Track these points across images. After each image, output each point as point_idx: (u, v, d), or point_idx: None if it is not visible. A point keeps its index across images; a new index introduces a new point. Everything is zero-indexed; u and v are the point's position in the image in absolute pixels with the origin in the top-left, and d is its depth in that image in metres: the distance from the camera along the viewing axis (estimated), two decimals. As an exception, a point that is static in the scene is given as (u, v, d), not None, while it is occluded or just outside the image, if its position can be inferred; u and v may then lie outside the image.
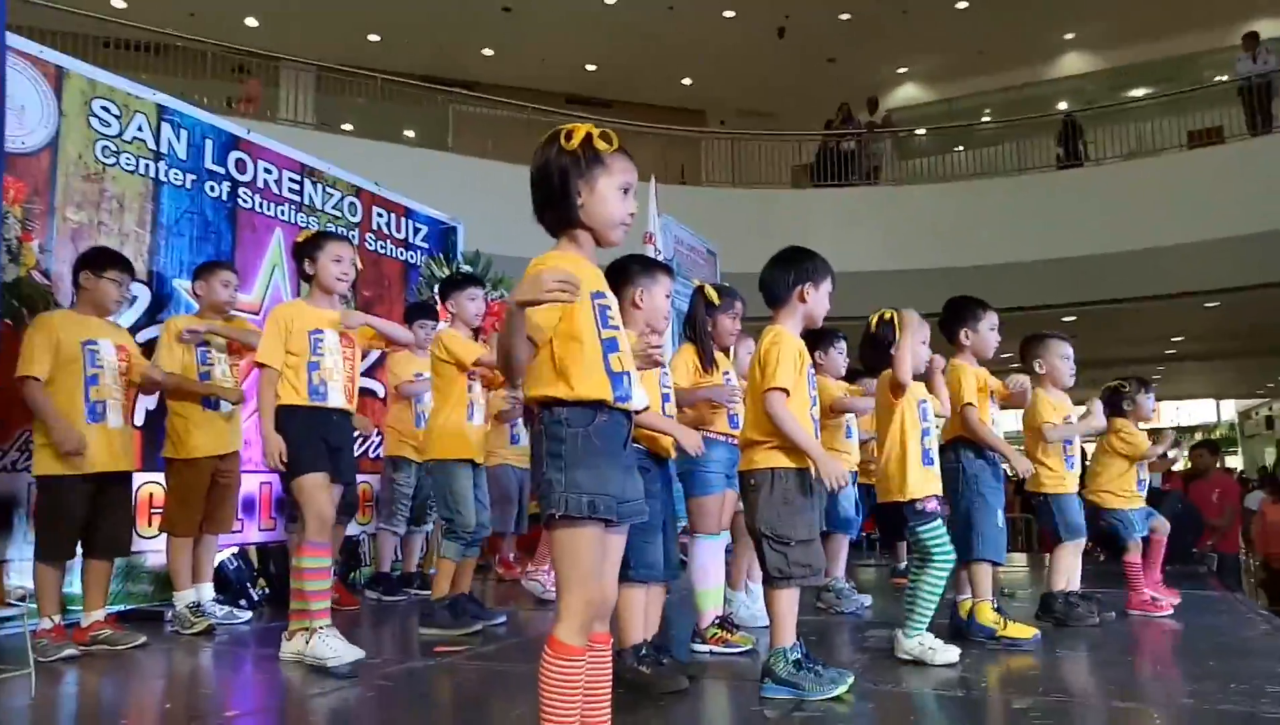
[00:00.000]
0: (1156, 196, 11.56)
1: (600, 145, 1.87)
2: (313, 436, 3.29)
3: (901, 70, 16.52)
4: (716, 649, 3.39)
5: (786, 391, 2.65)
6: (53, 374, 3.53)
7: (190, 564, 4.19)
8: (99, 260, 3.76)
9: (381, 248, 6.21)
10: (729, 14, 14.21)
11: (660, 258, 6.88)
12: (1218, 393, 23.15)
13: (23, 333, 3.64)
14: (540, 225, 1.98)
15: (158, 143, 4.76)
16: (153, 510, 4.52)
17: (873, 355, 3.23)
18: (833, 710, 2.54)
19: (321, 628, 3.19)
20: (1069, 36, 15.33)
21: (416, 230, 6.56)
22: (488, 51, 15.23)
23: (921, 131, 15.49)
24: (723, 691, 2.94)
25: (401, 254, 6.38)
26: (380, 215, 6.25)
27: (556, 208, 1.89)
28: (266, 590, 4.89)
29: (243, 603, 4.61)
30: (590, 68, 15.85)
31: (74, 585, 3.81)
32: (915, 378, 3.18)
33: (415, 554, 5.47)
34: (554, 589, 4.65)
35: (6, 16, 2.82)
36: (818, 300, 2.79)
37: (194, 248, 4.90)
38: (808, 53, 15.01)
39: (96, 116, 4.48)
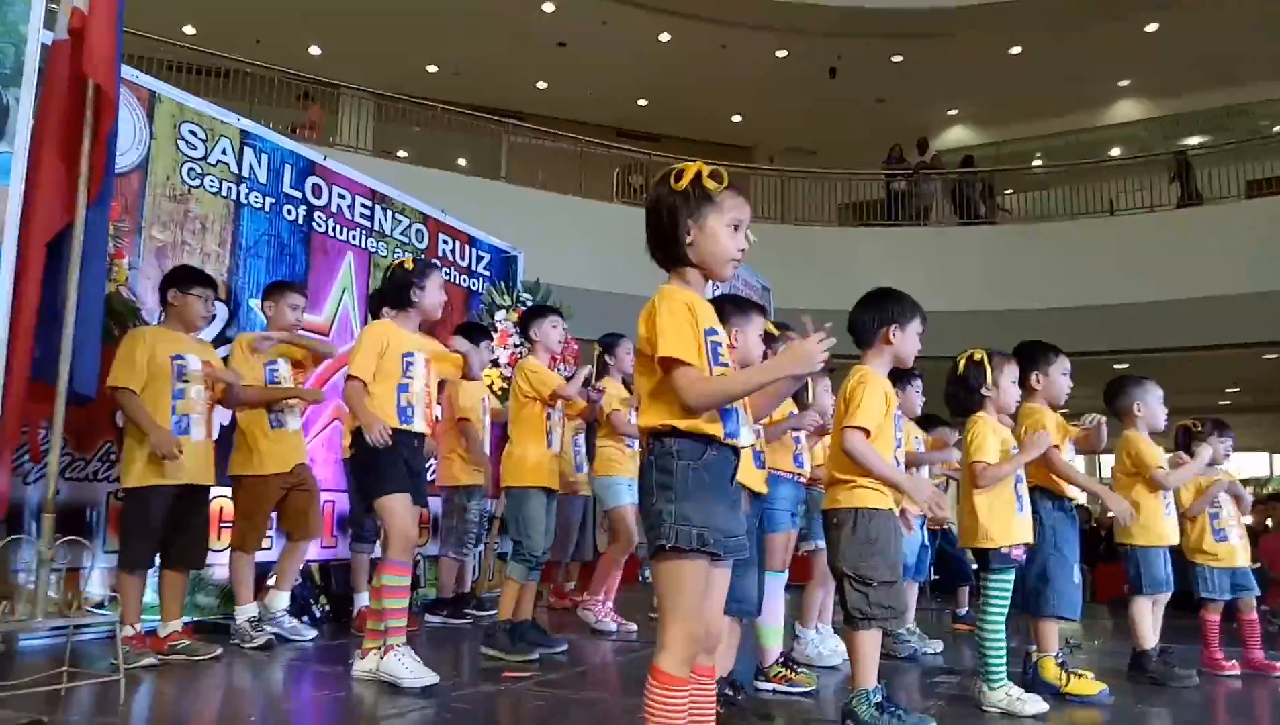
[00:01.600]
0: (1213, 245, 11.43)
1: (710, 184, 1.91)
2: (397, 458, 3.34)
3: (951, 112, 16.53)
4: (780, 688, 3.37)
5: (867, 431, 2.66)
6: (143, 386, 3.63)
7: (252, 579, 4.26)
8: (185, 278, 3.88)
9: (446, 274, 6.30)
10: (781, 53, 14.34)
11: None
12: (1271, 447, 22.66)
13: (114, 347, 3.74)
14: (653, 260, 2.02)
15: (240, 166, 4.90)
16: (222, 524, 4.61)
17: (960, 397, 3.22)
18: (916, 755, 2.53)
19: (397, 645, 3.22)
20: (1124, 84, 15.26)
21: (479, 258, 6.67)
22: (542, 85, 15.48)
23: (979, 171, 15.51)
24: (797, 731, 2.92)
25: (464, 281, 6.48)
26: (445, 242, 6.37)
27: (667, 245, 1.94)
28: (328, 608, 4.95)
29: (305, 619, 4.67)
30: (642, 102, 16.04)
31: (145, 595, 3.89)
32: (1005, 417, 3.18)
33: (469, 575, 5.50)
34: (605, 620, 4.73)
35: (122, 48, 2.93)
36: (905, 341, 2.80)
37: (270, 269, 5.02)
38: (858, 93, 15.08)
39: (184, 140, 4.64)
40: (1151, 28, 13.27)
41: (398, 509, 3.30)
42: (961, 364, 3.22)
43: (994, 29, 13.39)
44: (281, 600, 4.29)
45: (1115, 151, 15.59)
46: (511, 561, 4.02)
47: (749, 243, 1.95)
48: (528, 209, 11.35)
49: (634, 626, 4.88)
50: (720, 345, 1.89)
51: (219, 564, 4.56)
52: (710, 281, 1.98)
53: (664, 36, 14.00)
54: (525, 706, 3.14)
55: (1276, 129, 14.13)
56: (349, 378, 3.32)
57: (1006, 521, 3.09)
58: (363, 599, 4.65)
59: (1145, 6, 12.70)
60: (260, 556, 4.35)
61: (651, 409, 1.84)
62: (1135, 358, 12.11)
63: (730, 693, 2.83)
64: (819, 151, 16.27)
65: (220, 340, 4.62)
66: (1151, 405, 3.81)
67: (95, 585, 4.00)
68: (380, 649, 3.31)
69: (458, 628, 5.01)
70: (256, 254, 4.97)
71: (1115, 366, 12.26)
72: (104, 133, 2.92)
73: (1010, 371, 3.26)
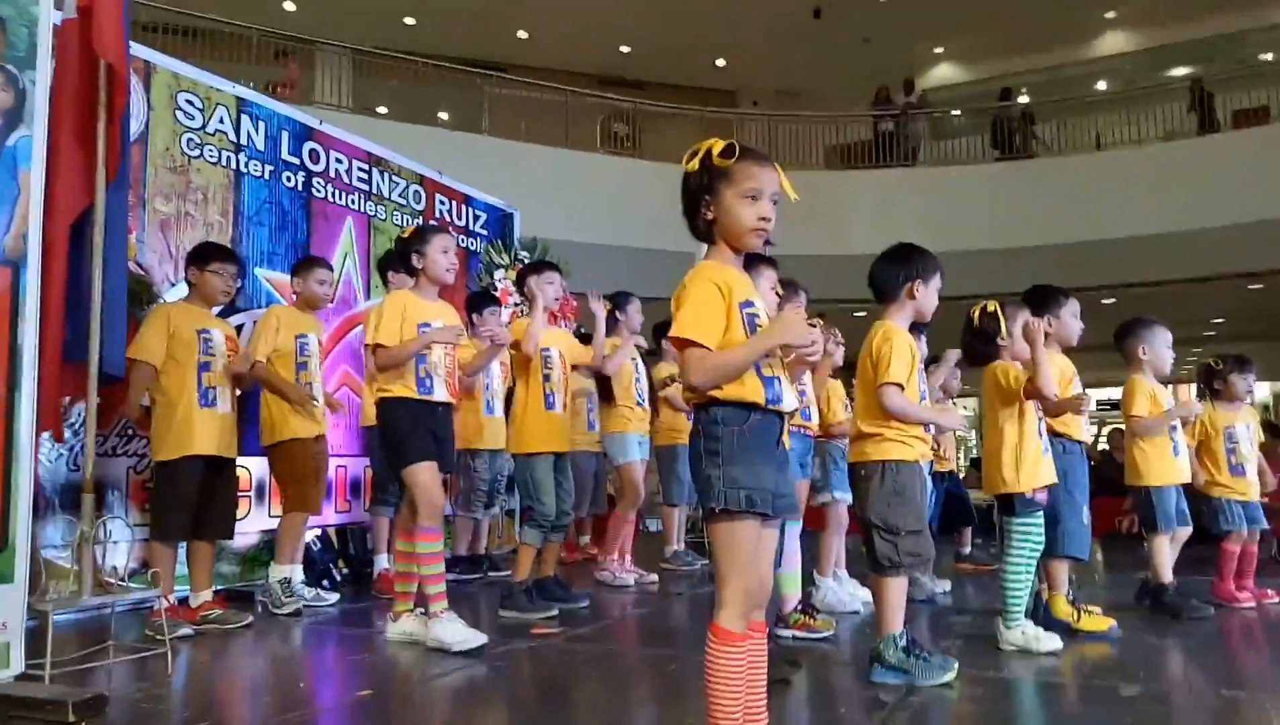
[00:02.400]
0: (1200, 177, 11.48)
1: (719, 161, 1.92)
2: (420, 427, 3.39)
3: (938, 50, 16.38)
4: (800, 634, 3.47)
5: (901, 386, 2.73)
6: (170, 360, 3.68)
7: (303, 542, 4.35)
8: (202, 254, 3.91)
9: (444, 235, 6.28)
10: (765, -6, 14.14)
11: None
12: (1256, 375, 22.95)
13: (136, 324, 3.75)
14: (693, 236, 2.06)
15: (238, 135, 4.86)
16: (239, 494, 4.66)
17: (977, 347, 3.28)
18: (944, 696, 2.64)
19: (441, 612, 3.30)
20: (1110, 15, 15.14)
21: (476, 217, 6.65)
22: (522, 34, 15.22)
23: (957, 112, 15.44)
24: (827, 677, 3.03)
25: (463, 241, 6.46)
26: (442, 203, 6.34)
27: (693, 224, 1.99)
28: (346, 571, 5.03)
29: (325, 583, 4.75)
30: (624, 49, 15.81)
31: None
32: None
33: (484, 536, 5.59)
34: (623, 577, 4.83)
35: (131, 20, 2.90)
36: (927, 296, 2.86)
37: (273, 237, 5.01)
38: (843, 33, 14.89)
39: (182, 110, 4.59)
40: (1137, -43, 13.15)
41: (423, 478, 3.35)
42: (976, 315, 3.28)
43: (979, -38, 13.25)
44: (296, 573, 4.32)
45: (1102, 85, 15.54)
46: (525, 526, 4.10)
47: (779, 203, 1.96)
48: (513, 163, 11.24)
49: (654, 576, 4.99)
50: (758, 317, 1.92)
51: (239, 533, 4.63)
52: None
53: (646, -20, 13.77)
54: (563, 661, 3.24)
55: (1263, 57, 14.10)
56: (374, 347, 3.33)
57: (1031, 465, 3.17)
58: (382, 561, 4.73)
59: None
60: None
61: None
62: (1123, 292, 12.23)
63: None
64: (805, 95, 16.11)
65: (229, 310, 4.63)
66: (1158, 348, 3.87)
67: (120, 558, 4.06)
68: (412, 611, 3.40)
69: (471, 583, 5.11)
70: (259, 222, 4.95)
71: (1103, 301, 12.39)
72: (118, 111, 2.90)
73: (1023, 319, 3.31)
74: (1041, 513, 3.22)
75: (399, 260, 3.60)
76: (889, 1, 14.29)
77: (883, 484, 2.73)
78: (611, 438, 5.12)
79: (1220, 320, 14.91)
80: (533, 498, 4.08)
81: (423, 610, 3.41)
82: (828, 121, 14.48)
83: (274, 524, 4.62)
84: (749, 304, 1.93)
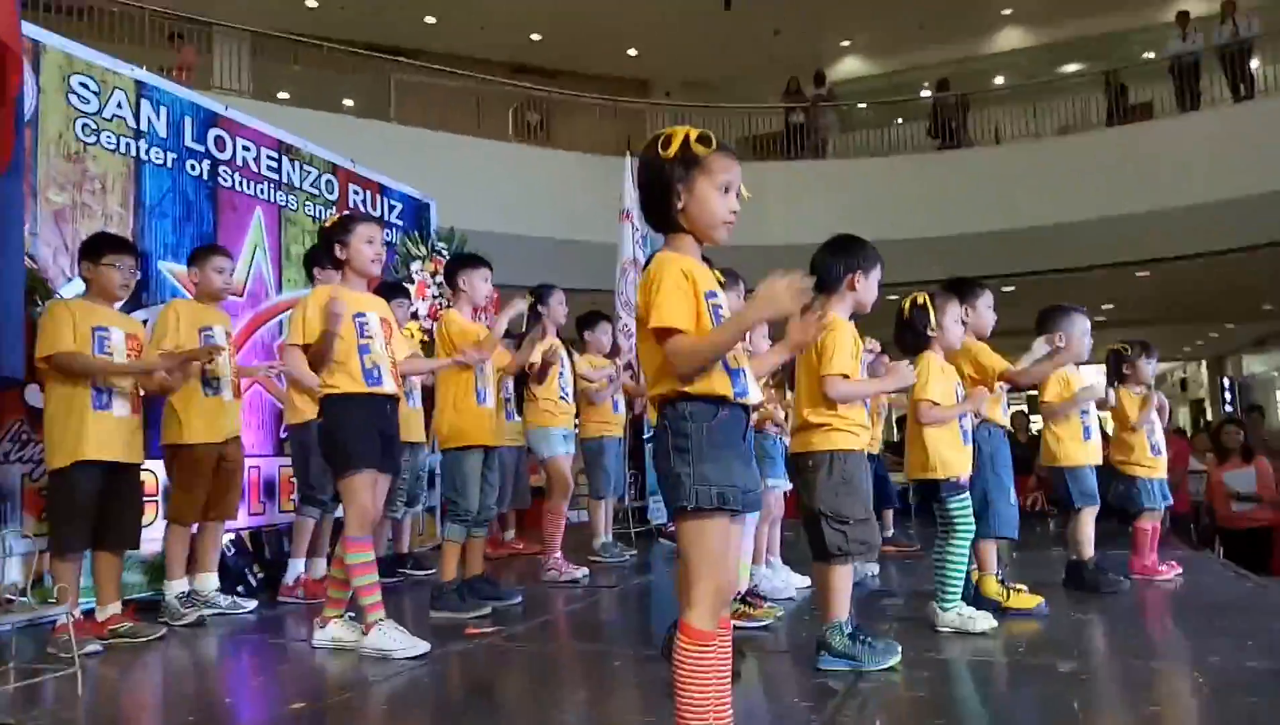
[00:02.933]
0: (1091, 170, 11.96)
1: (698, 148, 1.90)
2: (370, 428, 3.26)
3: (845, 43, 16.69)
4: (740, 624, 3.47)
5: (847, 376, 2.74)
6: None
7: (186, 553, 4.12)
8: (95, 247, 3.66)
9: (359, 226, 6.08)
10: (676, -17, 14.16)
11: (636, 234, 6.90)
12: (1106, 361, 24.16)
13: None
14: (649, 226, 2.02)
15: (138, 120, 4.59)
16: (146, 498, 4.41)
17: (908, 338, 3.32)
18: (890, 680, 2.66)
19: (379, 620, 3.18)
20: (1006, 11, 15.66)
21: (391, 207, 6.46)
22: (430, 19, 14.89)
23: (863, 105, 15.75)
24: (773, 666, 3.03)
25: (378, 232, 6.26)
26: (356, 192, 6.13)
27: (660, 211, 1.93)
28: (262, 576, 4.82)
29: (241, 589, 4.55)
30: (535, 37, 15.63)
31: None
32: (948, 358, 3.30)
33: (405, 535, 5.44)
34: (568, 573, 4.76)
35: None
36: (868, 288, 2.88)
37: (177, 228, 4.76)
38: (754, 24, 15.03)
39: (75, 93, 4.30)
40: (1033, -44, 13.61)
41: (359, 488, 3.22)
42: (907, 307, 3.32)
43: (884, -43, 13.51)
44: (211, 581, 4.15)
45: (999, 80, 16.06)
46: (448, 522, 3.99)
47: (741, 201, 1.94)
48: (424, 151, 10.97)
49: (585, 570, 4.92)
50: (721, 307, 1.90)
51: (146, 539, 4.38)
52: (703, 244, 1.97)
53: (556, -33, 13.62)
54: (503, 662, 3.16)
55: (1145, 55, 14.75)
56: (289, 346, 3.19)
57: (953, 453, 3.23)
58: (299, 566, 4.54)
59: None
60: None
61: (663, 378, 1.85)
62: (1019, 281, 12.69)
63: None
64: (717, 86, 16.22)
65: (132, 305, 4.38)
66: (1074, 336, 3.98)
67: (14, 572, 3.80)
68: (341, 617, 3.28)
69: (391, 587, 4.96)
70: (162, 213, 4.69)
71: (1003, 289, 12.83)
72: (11, 94, 2.68)
73: (953, 311, 3.38)
74: (968, 494, 3.29)
75: (323, 251, 3.44)
76: (798, -7, 14.49)
77: (830, 474, 2.73)
78: (536, 432, 5.03)
79: (1110, 306, 15.62)
80: (457, 493, 3.98)
81: (353, 616, 3.29)
82: (740, 112, 14.59)
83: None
84: (713, 294, 1.90)
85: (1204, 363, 22.85)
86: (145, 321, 4.39)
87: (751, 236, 12.15)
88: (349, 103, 13.46)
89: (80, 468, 3.43)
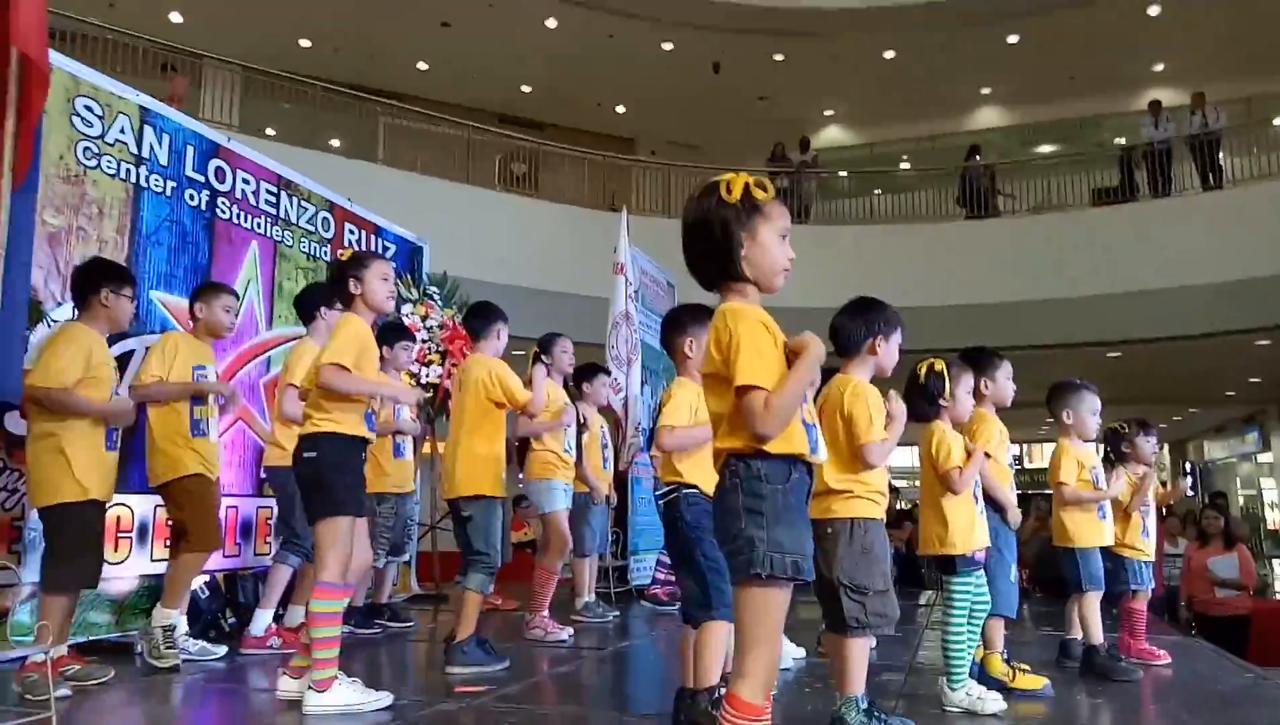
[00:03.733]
0: (1061, 250, 12.22)
1: (759, 195, 1.90)
2: (359, 474, 3.18)
3: (828, 112, 17.04)
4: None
5: (884, 440, 2.70)
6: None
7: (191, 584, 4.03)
8: (122, 277, 3.62)
9: (352, 265, 6.00)
10: (667, 46, 14.41)
11: (629, 288, 6.89)
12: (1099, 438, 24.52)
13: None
14: (693, 275, 1.98)
15: (140, 147, 4.51)
16: (120, 534, 4.25)
17: (920, 406, 3.27)
18: (907, 759, 2.58)
19: (338, 676, 3.05)
20: (985, 91, 16.11)
21: (385, 248, 6.39)
22: (422, 65, 15.00)
23: (844, 174, 16.03)
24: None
25: (370, 272, 6.18)
26: (351, 232, 6.07)
27: (720, 260, 1.89)
28: (234, 620, 4.64)
29: (212, 634, 4.38)
30: (525, 89, 15.79)
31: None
32: (957, 428, 3.27)
33: (388, 585, 5.28)
34: (554, 633, 4.62)
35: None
36: (888, 352, 2.85)
37: (172, 258, 4.66)
38: (740, 89, 15.33)
39: (79, 116, 4.22)
40: (1013, 39, 14.05)
41: (344, 532, 3.09)
42: (923, 373, 3.29)
43: (870, 31, 13.87)
44: (181, 622, 3.96)
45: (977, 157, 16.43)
46: (473, 573, 3.84)
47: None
48: (409, 194, 10.94)
49: (570, 631, 4.78)
50: None
51: (115, 578, 4.21)
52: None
53: (550, 22, 13.81)
54: (501, 723, 3.03)
55: (1117, 141, 15.23)
56: (335, 366, 3.02)
57: (971, 527, 3.18)
58: (266, 616, 4.35)
59: (1009, 17, 13.40)
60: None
61: (735, 433, 1.80)
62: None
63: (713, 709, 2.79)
64: (701, 147, 16.44)
65: (120, 335, 4.26)
66: (1081, 413, 3.94)
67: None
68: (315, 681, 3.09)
69: (370, 639, 4.80)
70: (157, 242, 4.59)
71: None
72: (36, 111, 2.61)
73: (966, 382, 3.34)
74: (982, 572, 3.24)
75: (334, 285, 3.35)
76: (784, 62, 14.80)
77: (851, 542, 2.66)
78: (538, 484, 4.92)
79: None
80: (489, 544, 3.87)
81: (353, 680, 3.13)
82: (725, 174, 14.74)
83: (156, 568, 4.23)
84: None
85: (1166, 446, 23.25)
86: (130, 352, 4.30)
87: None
88: (336, 143, 13.44)
89: (92, 502, 3.35)
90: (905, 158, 16.89)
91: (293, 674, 3.21)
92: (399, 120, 13.56)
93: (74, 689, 3.25)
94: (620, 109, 16.53)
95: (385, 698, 3.07)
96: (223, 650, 4.10)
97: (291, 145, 11.36)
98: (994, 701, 3.11)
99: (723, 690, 2.83)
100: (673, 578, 5.91)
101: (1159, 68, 14.71)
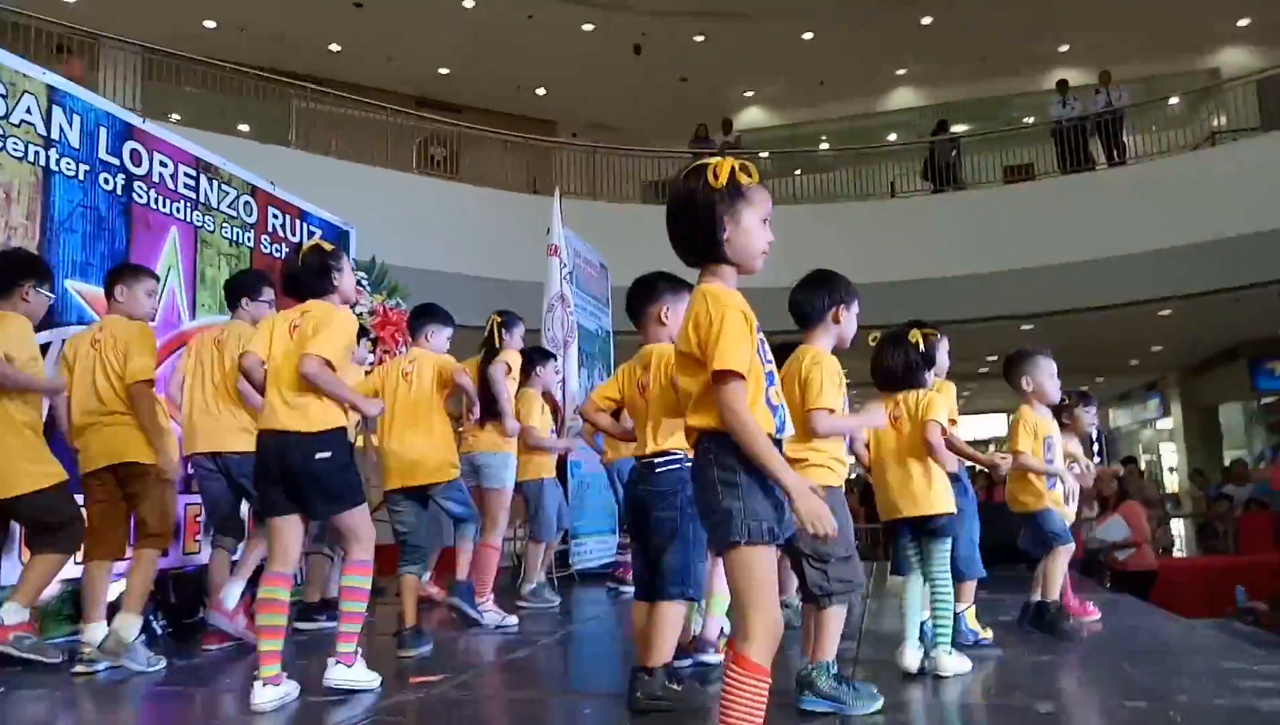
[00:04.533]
0: (976, 227, 12.57)
1: (743, 178, 1.92)
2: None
3: (749, 93, 17.15)
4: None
5: (832, 410, 2.71)
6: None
7: None
8: (44, 272, 3.54)
9: (277, 251, 5.80)
10: (588, 27, 14.29)
11: (564, 270, 6.82)
12: (1012, 407, 25.36)
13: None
14: (676, 251, 1.98)
15: (48, 128, 4.26)
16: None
17: (904, 374, 3.30)
18: (876, 722, 2.61)
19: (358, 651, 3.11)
20: (900, 72, 16.42)
21: (311, 233, 6.17)
22: (335, 47, 14.56)
23: (765, 155, 16.17)
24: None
25: (296, 258, 5.98)
26: (275, 216, 5.86)
27: (702, 242, 1.92)
28: (167, 624, 4.45)
29: (143, 638, 4.16)
30: (443, 71, 15.48)
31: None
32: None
33: (333, 579, 5.12)
34: (508, 618, 4.54)
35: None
36: (849, 321, 2.89)
37: (87, 245, 4.42)
38: (662, 71, 15.31)
39: (-20, 94, 3.96)
40: (927, 20, 14.34)
41: (365, 515, 3.17)
42: (921, 341, 3.30)
43: (790, 14, 13.99)
44: (134, 627, 3.69)
45: (892, 136, 16.78)
46: (409, 562, 3.81)
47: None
48: (326, 180, 10.61)
49: (515, 618, 4.70)
50: (764, 343, 1.95)
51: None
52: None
53: (468, 3, 13.56)
54: (463, 711, 2.98)
55: (1027, 120, 15.69)
56: (321, 360, 2.96)
57: (949, 489, 3.24)
58: (239, 585, 4.17)
59: (922, -1, 13.69)
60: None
61: (705, 411, 1.85)
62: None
63: (676, 684, 2.79)
64: (623, 129, 16.36)
65: (41, 326, 4.02)
66: (1040, 379, 3.99)
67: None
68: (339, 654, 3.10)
69: (316, 633, 4.65)
70: (70, 228, 4.34)
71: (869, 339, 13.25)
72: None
73: (944, 346, 3.47)
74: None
75: (314, 275, 3.22)
76: (705, 43, 14.83)
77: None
78: (497, 456, 4.78)
79: (994, 358, 16.37)
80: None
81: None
82: (647, 156, 14.75)
83: (77, 572, 3.99)
84: (759, 329, 1.95)
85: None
86: (48, 345, 4.06)
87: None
88: (245, 128, 12.97)
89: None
90: (824, 138, 17.11)
91: (273, 682, 3.00)
92: (312, 104, 13.15)
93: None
94: (540, 91, 16.35)
95: (377, 679, 3.13)
96: (162, 663, 3.77)
97: (199, 130, 10.93)
98: (961, 663, 3.17)
99: (675, 665, 2.86)
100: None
101: (1064, 48, 15.19)
